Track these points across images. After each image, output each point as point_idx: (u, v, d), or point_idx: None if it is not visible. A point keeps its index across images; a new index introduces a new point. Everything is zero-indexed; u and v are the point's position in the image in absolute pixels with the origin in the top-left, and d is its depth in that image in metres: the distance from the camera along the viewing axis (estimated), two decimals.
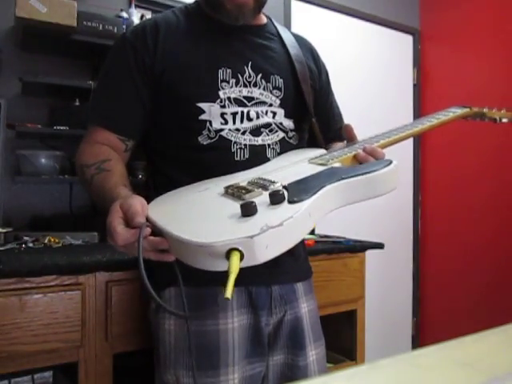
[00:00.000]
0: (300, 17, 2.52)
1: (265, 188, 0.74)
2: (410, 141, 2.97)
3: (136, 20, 1.82)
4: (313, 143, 1.06)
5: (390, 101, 2.88)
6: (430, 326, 2.94)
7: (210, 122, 0.89)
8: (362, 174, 0.76)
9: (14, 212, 1.66)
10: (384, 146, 0.91)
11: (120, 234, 0.67)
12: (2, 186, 1.55)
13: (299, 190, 0.71)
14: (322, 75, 1.09)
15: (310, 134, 1.07)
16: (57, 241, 1.45)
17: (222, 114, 0.90)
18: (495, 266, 2.53)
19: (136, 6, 1.91)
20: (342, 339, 1.76)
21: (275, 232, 0.62)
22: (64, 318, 1.12)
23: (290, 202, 0.68)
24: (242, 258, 0.61)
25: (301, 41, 1.08)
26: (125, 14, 1.78)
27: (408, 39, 3.00)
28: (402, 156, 2.88)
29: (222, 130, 0.90)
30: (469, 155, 2.67)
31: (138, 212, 0.68)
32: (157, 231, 0.69)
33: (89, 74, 1.80)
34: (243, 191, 0.72)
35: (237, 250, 0.60)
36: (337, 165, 0.83)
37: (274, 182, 0.75)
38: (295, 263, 0.99)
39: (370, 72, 2.80)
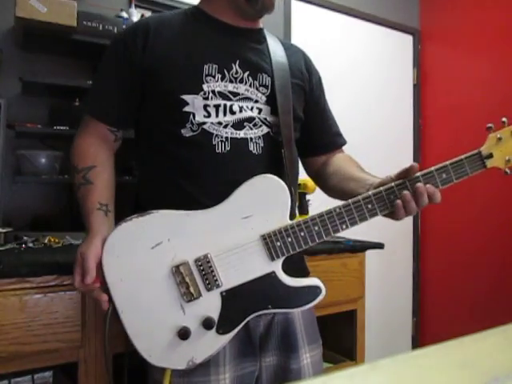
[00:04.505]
0: (300, 17, 2.52)
1: (206, 285, 0.84)
2: (410, 142, 2.97)
3: (136, 20, 1.82)
4: (307, 143, 1.08)
5: (390, 101, 2.88)
6: (430, 326, 2.93)
7: (194, 115, 0.91)
8: (291, 307, 0.88)
9: (14, 212, 1.66)
10: None
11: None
12: (2, 185, 1.55)
13: (230, 315, 0.84)
14: (312, 77, 1.09)
15: (305, 137, 1.08)
16: (57, 241, 1.45)
17: (205, 106, 0.91)
18: (495, 266, 2.53)
19: (136, 6, 1.91)
20: (342, 339, 1.76)
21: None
22: (64, 318, 1.12)
23: (218, 332, 0.83)
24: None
25: (292, 48, 1.10)
26: (125, 14, 1.78)
27: (408, 39, 3.00)
28: (401, 157, 2.87)
29: (204, 123, 0.91)
30: None
31: (88, 270, 0.83)
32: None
33: (89, 74, 1.80)
34: (185, 284, 0.83)
35: None
36: (280, 268, 0.86)
37: (216, 282, 0.84)
38: (288, 263, 0.98)
39: (369, 72, 2.80)
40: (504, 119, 0.86)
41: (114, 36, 1.01)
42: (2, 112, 1.50)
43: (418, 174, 0.86)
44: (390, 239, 2.40)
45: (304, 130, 1.07)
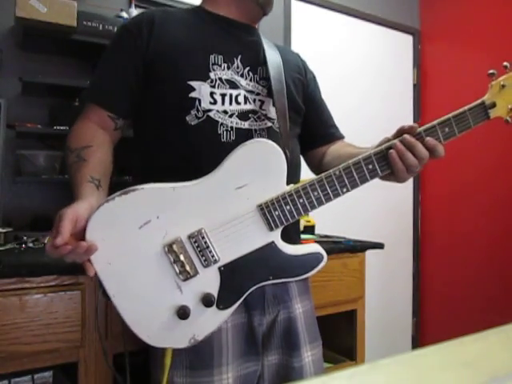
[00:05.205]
0: (300, 17, 2.52)
1: (202, 262, 0.80)
2: None
3: None
4: (305, 137, 1.09)
5: (390, 101, 2.88)
6: (430, 325, 2.93)
7: (200, 101, 0.91)
8: (292, 276, 0.85)
9: (14, 212, 1.66)
10: None
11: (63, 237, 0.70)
12: (2, 185, 1.55)
13: (230, 289, 0.80)
14: (307, 72, 1.13)
15: (303, 130, 1.09)
16: None
17: (212, 94, 0.92)
18: (495, 265, 2.53)
19: (136, 6, 1.92)
20: (342, 339, 1.76)
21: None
22: (64, 318, 1.12)
23: (218, 307, 0.80)
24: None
25: (286, 48, 1.15)
26: (125, 14, 1.79)
27: (408, 39, 3.00)
28: None
29: (210, 110, 0.91)
30: (469, 155, 2.67)
31: (59, 230, 0.71)
32: None
33: (89, 73, 1.80)
34: (180, 263, 0.78)
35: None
36: (279, 237, 0.83)
37: (213, 258, 0.79)
38: (284, 234, 0.98)
39: (369, 72, 2.80)
40: (506, 63, 0.80)
41: (119, 26, 1.00)
42: (2, 112, 1.50)
43: (420, 129, 0.82)
44: (390, 239, 2.40)
45: (302, 123, 1.09)
